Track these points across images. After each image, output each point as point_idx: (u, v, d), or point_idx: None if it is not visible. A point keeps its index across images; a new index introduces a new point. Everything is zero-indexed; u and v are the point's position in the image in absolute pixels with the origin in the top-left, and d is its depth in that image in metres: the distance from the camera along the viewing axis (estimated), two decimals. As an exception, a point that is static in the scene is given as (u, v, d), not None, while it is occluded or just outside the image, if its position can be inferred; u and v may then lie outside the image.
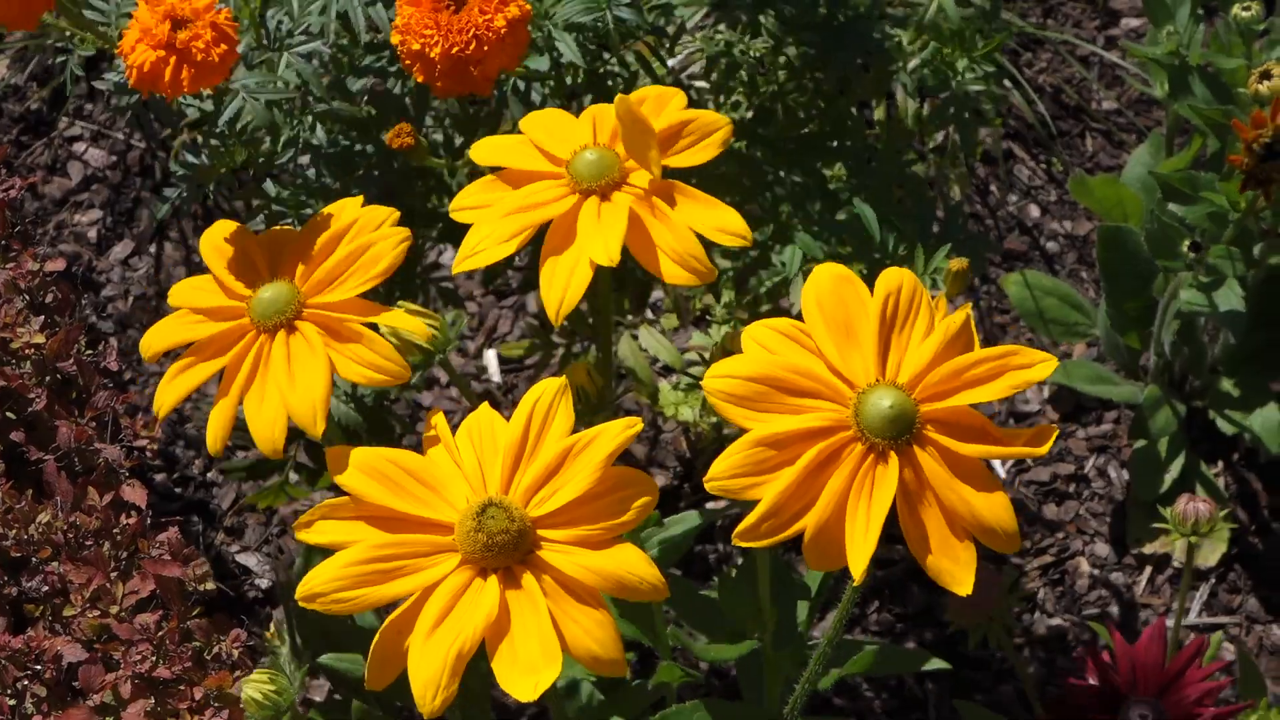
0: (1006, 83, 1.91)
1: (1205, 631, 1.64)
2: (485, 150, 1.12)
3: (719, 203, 1.09)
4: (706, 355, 1.72)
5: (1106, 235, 1.65)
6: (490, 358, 1.79)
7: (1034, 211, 1.89)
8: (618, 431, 0.97)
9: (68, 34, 1.25)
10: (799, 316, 1.42)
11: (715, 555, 1.67)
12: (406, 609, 0.95)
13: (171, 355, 1.12)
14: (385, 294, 1.36)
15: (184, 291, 1.12)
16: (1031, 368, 0.97)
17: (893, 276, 0.98)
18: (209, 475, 1.72)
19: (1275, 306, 1.64)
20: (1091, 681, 1.25)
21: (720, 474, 0.94)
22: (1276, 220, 1.53)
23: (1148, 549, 1.67)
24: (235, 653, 1.29)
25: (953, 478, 0.95)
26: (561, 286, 1.05)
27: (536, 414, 0.99)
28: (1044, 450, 0.96)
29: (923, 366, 0.97)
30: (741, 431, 0.96)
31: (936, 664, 1.34)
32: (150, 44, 1.09)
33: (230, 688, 1.26)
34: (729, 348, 1.13)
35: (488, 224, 1.07)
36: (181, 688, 1.25)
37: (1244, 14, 1.49)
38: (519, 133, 1.13)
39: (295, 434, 1.42)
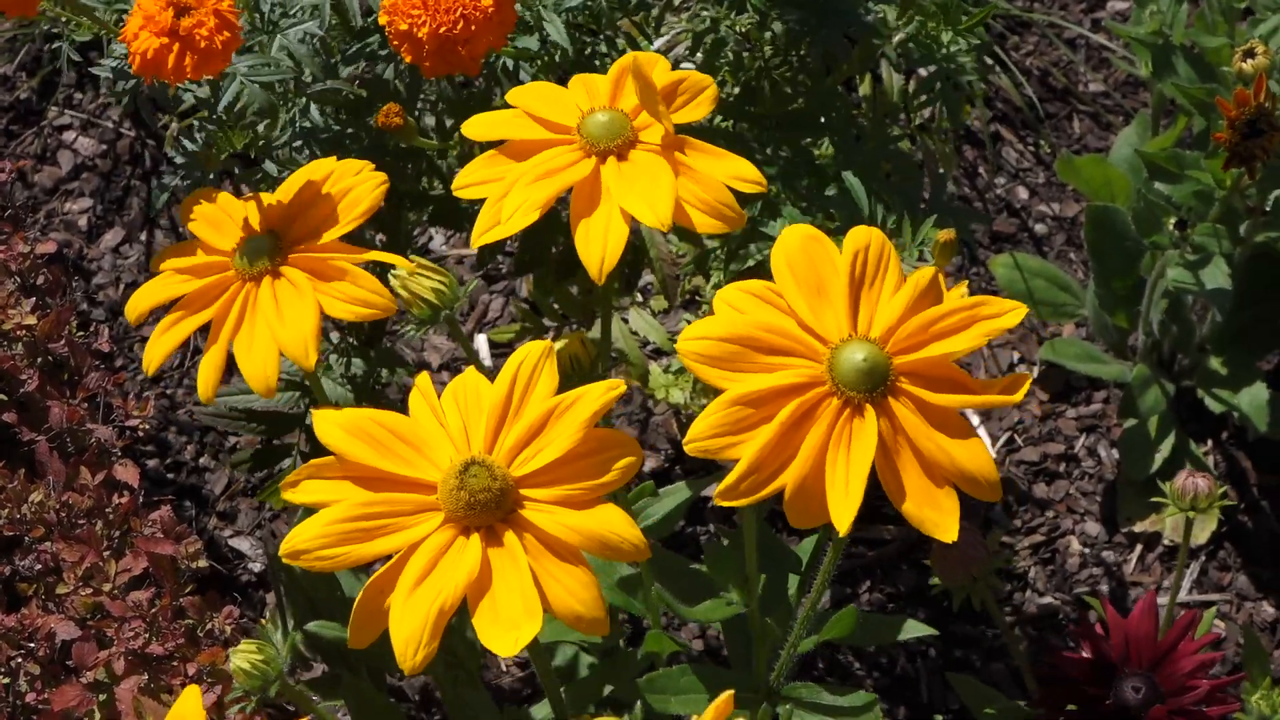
0: (992, 64, 1.92)
1: (1195, 608, 1.64)
2: (479, 126, 1.12)
3: (729, 153, 1.09)
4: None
5: (1094, 215, 1.66)
6: (481, 341, 1.80)
7: (1022, 193, 1.90)
8: (600, 393, 0.98)
9: (63, 20, 1.25)
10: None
11: (705, 536, 1.67)
12: (389, 567, 0.95)
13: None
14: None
15: (167, 256, 1.13)
16: (1001, 316, 0.97)
17: (860, 234, 0.99)
18: (201, 461, 1.72)
19: (1262, 284, 1.65)
20: (1085, 654, 1.26)
21: (699, 434, 0.95)
22: (1262, 197, 1.54)
23: (1138, 527, 1.68)
24: (228, 629, 1.29)
25: (929, 427, 0.96)
26: (600, 245, 1.05)
27: (521, 375, 0.99)
28: (1019, 397, 0.97)
29: (894, 320, 0.98)
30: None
31: (918, 629, 1.35)
32: (153, 30, 1.10)
33: (223, 664, 1.26)
34: None
35: (515, 194, 1.07)
36: (175, 664, 1.25)
37: (1226, -7, 1.50)
38: (510, 107, 1.14)
39: (297, 419, 1.43)
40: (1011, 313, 0.97)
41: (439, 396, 1.02)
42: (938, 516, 0.96)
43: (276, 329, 1.06)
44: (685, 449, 0.95)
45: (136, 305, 1.12)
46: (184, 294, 1.09)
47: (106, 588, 1.29)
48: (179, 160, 1.31)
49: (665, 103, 1.10)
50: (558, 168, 1.08)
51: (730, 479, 0.95)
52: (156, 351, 1.09)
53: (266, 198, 1.12)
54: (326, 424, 0.99)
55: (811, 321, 0.98)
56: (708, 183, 1.07)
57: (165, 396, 1.75)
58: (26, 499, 1.32)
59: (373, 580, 0.95)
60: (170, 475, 1.71)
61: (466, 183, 1.10)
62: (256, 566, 1.65)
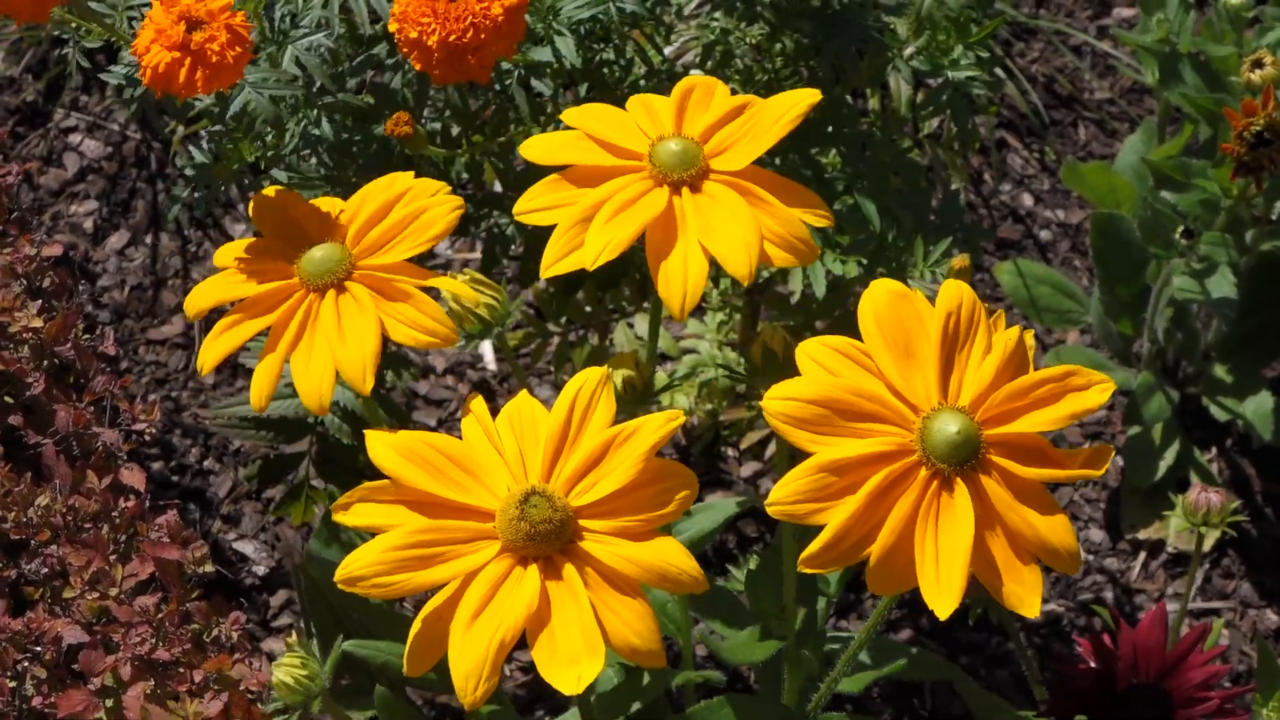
0: (1000, 72, 1.92)
1: (1200, 616, 1.65)
2: (539, 148, 1.10)
3: (797, 184, 1.08)
4: (706, 340, 1.72)
5: (1100, 222, 1.66)
6: (486, 346, 1.80)
7: (1027, 200, 1.90)
8: (660, 424, 0.97)
9: (73, 25, 1.25)
10: (799, 304, 1.43)
11: (711, 544, 1.67)
12: (448, 597, 0.95)
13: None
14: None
15: (232, 252, 1.11)
16: (1088, 389, 0.96)
17: (953, 292, 0.97)
18: (205, 464, 1.72)
19: (1267, 291, 1.65)
20: (1093, 664, 1.26)
21: (783, 499, 0.94)
22: (1268, 207, 1.54)
23: (1142, 535, 1.68)
24: (234, 635, 1.29)
25: (1016, 501, 0.95)
26: (680, 284, 1.04)
27: (578, 404, 0.98)
28: (1101, 472, 0.96)
29: (984, 388, 0.96)
30: (781, 445, 0.95)
31: (955, 673, 1.36)
32: (165, 45, 1.09)
33: (229, 670, 1.26)
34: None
35: (596, 232, 1.05)
36: (181, 670, 1.25)
37: (1233, 0, 1.50)
38: (567, 128, 1.11)
39: (309, 426, 1.43)
40: (1099, 385, 0.96)
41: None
42: (1021, 591, 0.94)
43: (336, 349, 1.04)
44: (768, 512, 0.94)
45: (196, 301, 1.09)
46: (246, 296, 1.07)
47: (113, 592, 1.28)
48: (189, 172, 1.31)
49: (731, 127, 1.08)
50: (631, 199, 1.05)
51: (815, 548, 0.93)
52: (213, 352, 1.07)
53: (338, 205, 1.11)
54: (380, 446, 0.98)
55: (900, 385, 0.96)
56: (782, 216, 1.06)
57: (170, 399, 1.75)
58: (33, 502, 1.32)
59: (431, 609, 0.95)
60: (175, 478, 1.71)
61: (532, 208, 1.08)
62: (261, 570, 1.65)
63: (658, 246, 1.05)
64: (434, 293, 1.08)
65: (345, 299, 1.06)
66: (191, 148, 1.31)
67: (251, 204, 1.13)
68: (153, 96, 1.20)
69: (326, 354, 1.04)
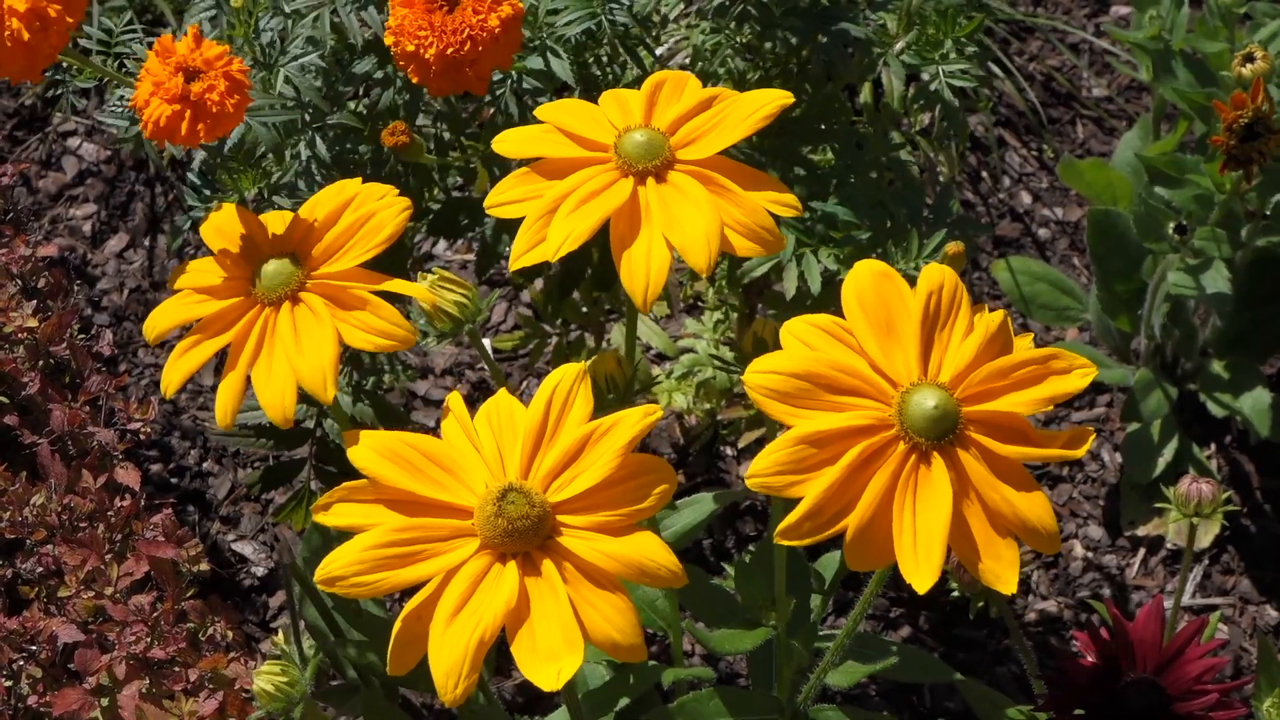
0: (998, 70, 1.92)
1: (1199, 612, 1.64)
2: (511, 142, 1.10)
3: (764, 174, 1.08)
4: (704, 340, 1.72)
5: (1096, 219, 1.66)
6: (487, 345, 1.80)
7: (1025, 198, 1.90)
8: (637, 419, 0.97)
9: (64, 65, 1.25)
10: (794, 300, 1.43)
11: (708, 541, 1.67)
12: (427, 596, 0.95)
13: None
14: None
15: (185, 274, 1.11)
16: (1070, 373, 0.96)
17: (934, 274, 0.98)
18: (204, 465, 1.72)
19: (1263, 287, 1.65)
20: (1090, 659, 1.25)
21: (762, 471, 0.94)
22: (1262, 202, 1.54)
23: (1141, 531, 1.68)
24: (229, 634, 1.29)
25: (994, 478, 0.95)
26: (643, 274, 1.03)
27: (556, 400, 0.98)
28: (1081, 453, 0.96)
29: (964, 366, 0.96)
30: (770, 423, 0.95)
31: (954, 675, 1.36)
32: (164, 98, 1.08)
33: (224, 669, 1.26)
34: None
35: (559, 224, 1.05)
36: (176, 669, 1.25)
37: (1224, -2, 1.50)
38: (538, 123, 1.11)
39: (307, 433, 1.43)
40: (1081, 369, 0.96)
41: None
42: (998, 568, 0.94)
43: (295, 360, 1.04)
44: (747, 484, 0.94)
45: (155, 325, 1.10)
46: (202, 316, 1.07)
47: (108, 591, 1.29)
48: (194, 204, 1.30)
49: (699, 119, 1.08)
50: (596, 190, 1.05)
51: (792, 519, 0.93)
52: (175, 374, 1.07)
53: (288, 217, 1.11)
54: (359, 447, 0.98)
55: (881, 361, 0.96)
56: (747, 206, 1.05)
57: (169, 402, 1.75)
58: (28, 502, 1.33)
59: (411, 608, 0.95)
60: (174, 480, 1.71)
61: (500, 201, 1.08)
62: (259, 571, 1.65)
63: (621, 237, 1.05)
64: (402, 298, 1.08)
65: (301, 310, 1.06)
66: (198, 180, 1.30)
67: (203, 226, 1.12)
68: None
69: (286, 366, 1.04)
